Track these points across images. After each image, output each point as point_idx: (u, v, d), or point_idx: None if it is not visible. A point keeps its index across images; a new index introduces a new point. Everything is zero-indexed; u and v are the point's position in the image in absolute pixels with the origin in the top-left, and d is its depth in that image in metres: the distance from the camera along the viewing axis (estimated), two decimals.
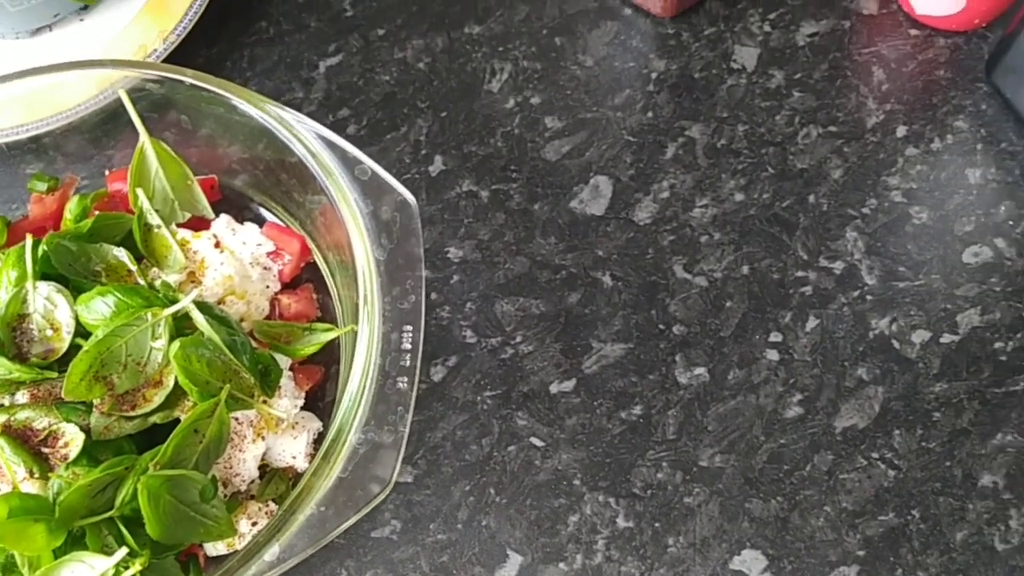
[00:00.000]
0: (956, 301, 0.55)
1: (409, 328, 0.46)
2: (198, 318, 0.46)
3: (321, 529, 0.42)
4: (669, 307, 0.56)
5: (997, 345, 0.54)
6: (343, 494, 0.43)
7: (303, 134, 0.50)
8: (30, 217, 0.55)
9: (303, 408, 0.50)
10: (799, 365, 0.54)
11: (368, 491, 0.43)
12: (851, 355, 0.54)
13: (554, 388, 0.54)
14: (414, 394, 0.45)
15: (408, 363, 0.45)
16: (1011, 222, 0.57)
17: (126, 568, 0.42)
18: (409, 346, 0.46)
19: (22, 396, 0.47)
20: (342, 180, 0.49)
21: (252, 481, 0.49)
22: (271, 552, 0.41)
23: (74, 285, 0.49)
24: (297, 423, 0.50)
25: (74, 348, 0.47)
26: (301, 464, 0.49)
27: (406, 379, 0.45)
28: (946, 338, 0.54)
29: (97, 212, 0.53)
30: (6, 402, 0.47)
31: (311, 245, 0.55)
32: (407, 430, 0.44)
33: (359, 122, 0.62)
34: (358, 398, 0.44)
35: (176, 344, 0.45)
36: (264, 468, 0.49)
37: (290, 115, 0.50)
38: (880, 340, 0.54)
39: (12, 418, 0.45)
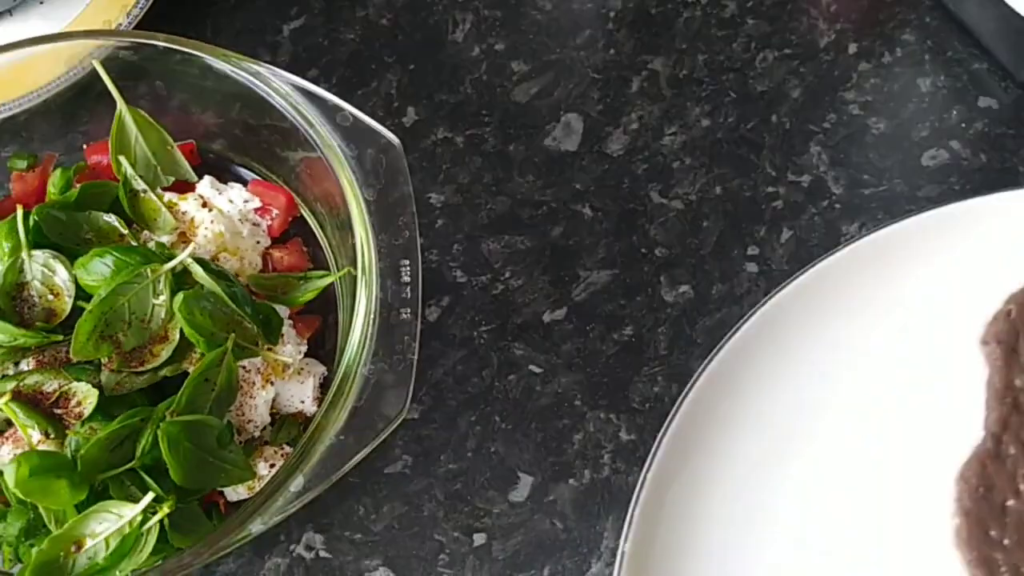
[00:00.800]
0: (919, 202, 0.58)
1: (406, 262, 0.47)
2: (197, 271, 0.47)
3: (342, 457, 0.43)
4: (649, 232, 0.58)
5: None
6: (360, 422, 0.44)
7: (281, 86, 0.51)
8: (13, 195, 0.55)
9: (306, 355, 0.51)
10: (778, 274, 0.56)
11: (384, 417, 0.44)
12: None
13: (547, 317, 0.56)
14: (419, 323, 0.46)
15: (409, 295, 0.47)
16: (963, 124, 0.59)
17: (153, 514, 0.43)
18: (408, 279, 0.47)
19: (27, 364, 0.47)
20: (324, 128, 0.50)
21: (264, 427, 0.50)
22: (296, 483, 0.43)
23: (67, 253, 0.49)
24: (303, 369, 0.51)
25: (76, 311, 0.47)
26: (310, 408, 0.50)
27: (409, 310, 0.46)
28: None
29: (80, 184, 0.53)
30: (11, 371, 0.47)
31: (297, 200, 0.56)
32: (416, 357, 0.45)
33: (328, 81, 0.63)
34: (365, 330, 0.45)
35: (179, 297, 0.46)
36: (275, 416, 0.50)
37: (265, 69, 0.51)
38: None
39: (21, 383, 0.46)
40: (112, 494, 0.44)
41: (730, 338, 0.45)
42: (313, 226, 0.56)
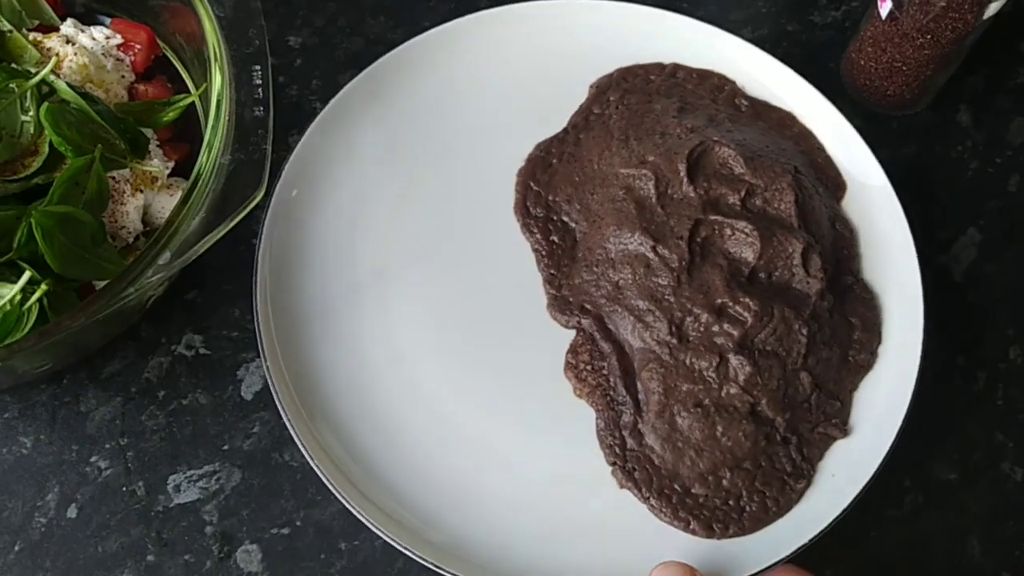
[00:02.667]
0: (729, 25, 0.64)
1: (258, 67, 0.52)
2: (61, 86, 0.51)
3: (206, 232, 0.47)
4: None
5: None
6: (221, 203, 0.48)
7: None
8: None
9: (176, 176, 0.55)
10: None
11: (242, 197, 0.48)
12: None
13: None
14: (271, 119, 0.51)
15: (261, 95, 0.51)
16: None
17: (32, 294, 0.47)
18: (260, 81, 0.51)
19: None
20: None
21: (138, 236, 0.54)
22: (163, 256, 0.47)
23: None
24: (172, 184, 0.55)
25: None
26: None
27: (261, 108, 0.51)
28: None
29: None
30: None
31: (160, 42, 0.59)
32: (269, 147, 0.50)
33: None
34: (220, 117, 0.49)
35: (45, 106, 0.49)
36: (150, 231, 0.54)
37: None
38: None
39: None
40: None
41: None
42: (177, 65, 0.60)
